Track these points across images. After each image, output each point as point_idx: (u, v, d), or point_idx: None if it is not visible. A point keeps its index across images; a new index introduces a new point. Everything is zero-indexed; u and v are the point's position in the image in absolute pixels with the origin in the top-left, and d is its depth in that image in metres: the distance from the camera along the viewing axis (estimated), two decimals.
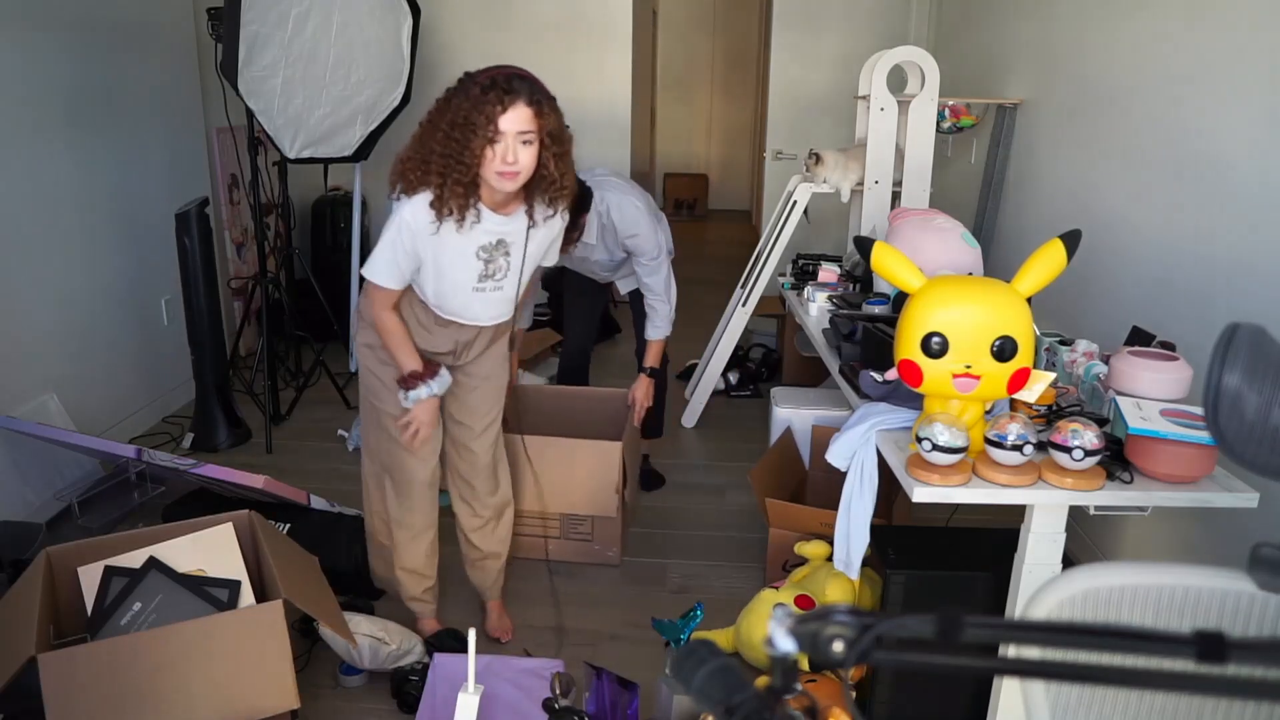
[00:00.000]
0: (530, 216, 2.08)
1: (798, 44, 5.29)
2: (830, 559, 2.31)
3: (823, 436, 2.91)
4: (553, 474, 2.78)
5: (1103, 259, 2.86)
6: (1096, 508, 1.68)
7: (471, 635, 1.77)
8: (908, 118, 3.50)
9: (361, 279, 2.31)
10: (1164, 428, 1.66)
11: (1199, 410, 1.65)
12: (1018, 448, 1.65)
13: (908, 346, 1.73)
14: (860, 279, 3.33)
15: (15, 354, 3.11)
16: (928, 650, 0.66)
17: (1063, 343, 2.28)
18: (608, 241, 2.93)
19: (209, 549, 2.18)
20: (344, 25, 3.87)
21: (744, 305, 3.95)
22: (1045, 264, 1.71)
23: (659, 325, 2.96)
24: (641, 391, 3.02)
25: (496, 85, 1.87)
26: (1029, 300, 1.73)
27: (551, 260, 2.30)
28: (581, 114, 5.33)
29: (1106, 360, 2.07)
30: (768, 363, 4.66)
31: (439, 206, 1.95)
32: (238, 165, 4.63)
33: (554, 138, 1.97)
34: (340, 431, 3.87)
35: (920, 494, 1.69)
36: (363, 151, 4.15)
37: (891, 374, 1.84)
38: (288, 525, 2.70)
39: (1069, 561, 1.70)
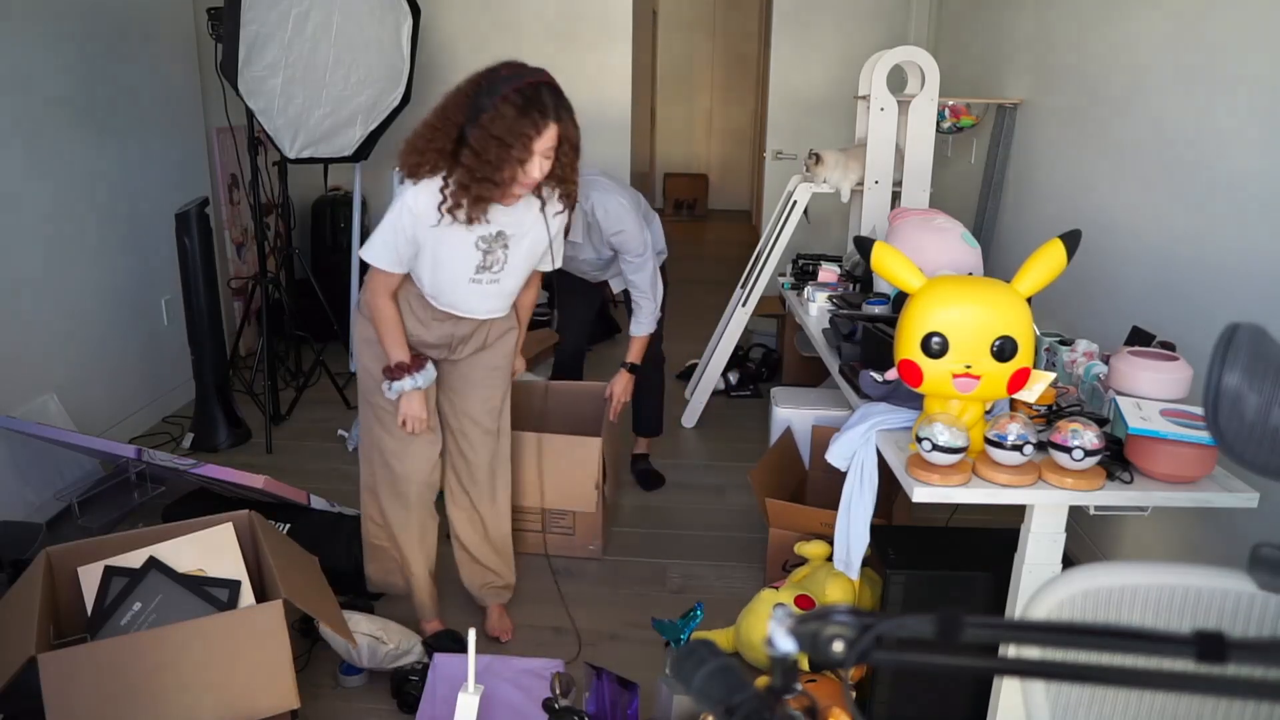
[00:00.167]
0: (541, 203, 2.13)
1: (798, 44, 5.29)
2: (830, 559, 2.31)
3: (823, 436, 2.91)
4: (533, 468, 2.79)
5: (1103, 259, 2.86)
6: (1096, 508, 1.68)
7: (471, 635, 1.77)
8: (908, 118, 3.50)
9: (362, 278, 2.31)
10: (1164, 428, 1.66)
11: (1199, 410, 1.65)
12: (1018, 448, 1.65)
13: (908, 346, 1.73)
14: (860, 279, 3.33)
15: (15, 354, 3.11)
16: (928, 650, 0.66)
17: (1063, 343, 2.28)
18: (594, 240, 2.93)
19: (209, 549, 2.18)
20: (344, 25, 3.87)
21: (744, 305, 3.95)
22: (1045, 264, 1.71)
23: (643, 322, 2.96)
24: (620, 386, 3.01)
25: (532, 107, 1.90)
26: (1029, 300, 1.73)
27: (549, 265, 2.29)
28: (581, 114, 5.28)
29: (1106, 360, 2.07)
30: (768, 363, 4.66)
31: (453, 211, 1.96)
32: (238, 165, 4.63)
33: (572, 144, 2.02)
34: (340, 431, 3.87)
35: (920, 494, 1.69)
36: (363, 151, 4.15)
37: (891, 374, 1.84)
38: (288, 525, 2.71)
39: (1069, 561, 1.70)
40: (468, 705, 1.74)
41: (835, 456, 2.04)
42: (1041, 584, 1.28)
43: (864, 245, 1.84)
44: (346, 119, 4.00)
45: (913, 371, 1.74)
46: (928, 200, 3.59)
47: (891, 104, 3.48)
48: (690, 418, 4.08)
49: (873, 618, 0.66)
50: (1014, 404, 1.92)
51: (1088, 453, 1.63)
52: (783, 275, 3.81)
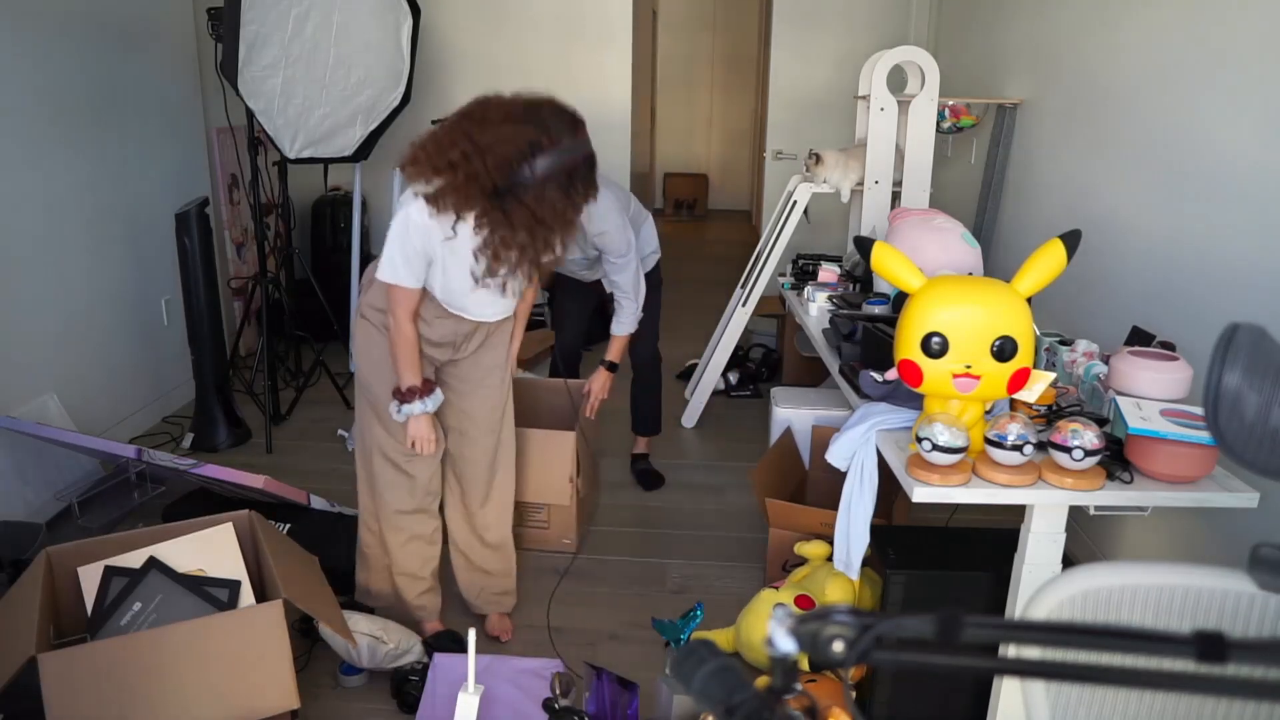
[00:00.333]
0: None
1: (798, 44, 5.29)
2: (830, 559, 2.31)
3: (823, 436, 2.91)
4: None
5: (1103, 259, 2.86)
6: (1096, 508, 1.68)
7: (471, 635, 1.77)
8: (908, 118, 3.50)
9: (362, 277, 2.31)
10: (1164, 428, 1.66)
11: (1199, 410, 1.65)
12: (1018, 448, 1.65)
13: (908, 346, 1.73)
14: (860, 279, 3.33)
15: (15, 354, 3.11)
16: (928, 650, 0.66)
17: (1063, 343, 2.28)
18: (579, 239, 2.93)
19: (209, 549, 2.18)
20: (344, 25, 3.86)
21: (744, 305, 3.95)
22: (1045, 264, 1.71)
23: (624, 321, 2.95)
24: (598, 384, 3.01)
25: (587, 188, 1.96)
26: (1029, 300, 1.73)
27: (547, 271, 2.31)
28: (582, 114, 5.33)
29: (1106, 360, 2.07)
30: (768, 363, 4.66)
31: (493, 266, 1.99)
32: (238, 165, 4.63)
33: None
34: (340, 431, 3.87)
35: (920, 494, 1.69)
36: (363, 151, 4.15)
37: (891, 374, 1.84)
38: (288, 525, 2.71)
39: (1069, 561, 1.70)
40: (468, 705, 1.74)
41: (835, 456, 2.04)
42: (1041, 584, 1.28)
43: (864, 245, 1.84)
44: (346, 119, 4.00)
45: (913, 371, 1.74)
46: (928, 200, 3.59)
47: (891, 104, 3.48)
48: (690, 418, 4.08)
49: (873, 618, 0.66)
50: (1014, 404, 1.92)
51: (1088, 453, 1.63)
52: (783, 275, 3.81)
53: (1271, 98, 2.09)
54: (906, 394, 1.96)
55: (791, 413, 3.00)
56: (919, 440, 1.70)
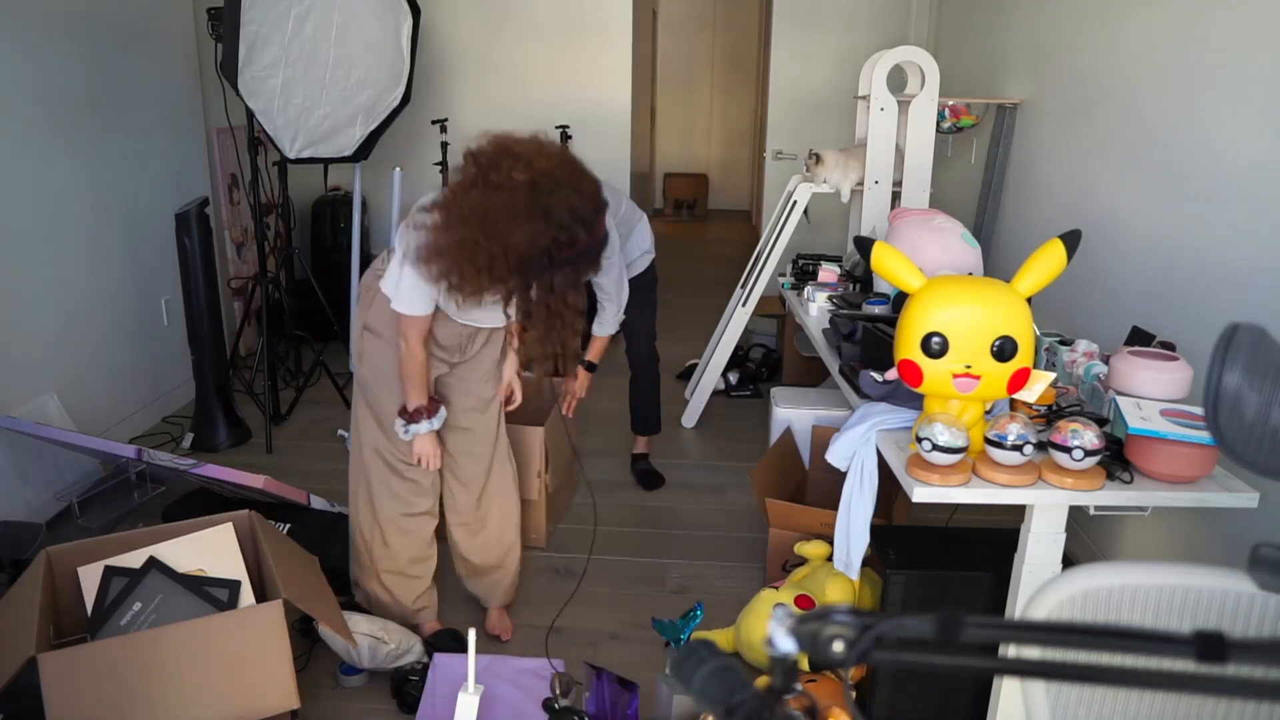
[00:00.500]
0: None
1: (798, 44, 5.29)
2: (830, 559, 2.31)
3: (823, 436, 2.91)
4: None
5: (1103, 259, 2.86)
6: (1096, 508, 1.68)
7: (471, 635, 1.77)
8: (908, 118, 3.50)
9: (362, 276, 2.31)
10: (1164, 428, 1.66)
11: (1199, 410, 1.65)
12: (1018, 448, 1.65)
13: (908, 346, 1.73)
14: (860, 279, 3.33)
15: (15, 354, 3.11)
16: (928, 650, 0.66)
17: (1063, 343, 2.28)
18: None
19: (209, 549, 2.18)
20: (344, 25, 3.86)
21: (744, 305, 3.95)
22: (1045, 264, 1.71)
23: (605, 323, 2.95)
24: (576, 383, 3.02)
25: (585, 276, 1.93)
26: (1029, 300, 1.73)
27: None
28: (581, 114, 5.34)
29: (1106, 360, 2.07)
30: (768, 363, 4.66)
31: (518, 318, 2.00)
32: (238, 165, 4.63)
33: None
34: (340, 431, 3.87)
35: (920, 494, 1.69)
36: (363, 151, 4.15)
37: (891, 374, 1.84)
38: (288, 525, 2.71)
39: (1069, 561, 1.70)
40: (468, 705, 1.74)
41: (835, 456, 2.04)
42: (1041, 584, 1.28)
43: (864, 245, 1.84)
44: (346, 119, 4.00)
45: (913, 371, 1.74)
46: (928, 200, 3.59)
47: (891, 104, 3.48)
48: (690, 418, 4.08)
49: (873, 618, 0.66)
50: (1014, 404, 1.91)
51: (1088, 453, 1.63)
52: (783, 275, 3.81)
53: (1272, 98, 2.09)
54: (906, 394, 1.96)
55: (791, 413, 3.00)
56: (919, 440, 1.70)
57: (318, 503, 2.84)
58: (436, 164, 4.89)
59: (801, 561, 2.52)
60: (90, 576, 2.08)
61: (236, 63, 3.47)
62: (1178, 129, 2.48)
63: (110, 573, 2.08)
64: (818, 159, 3.71)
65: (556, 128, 5.28)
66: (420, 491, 2.33)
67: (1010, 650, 1.23)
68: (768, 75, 5.49)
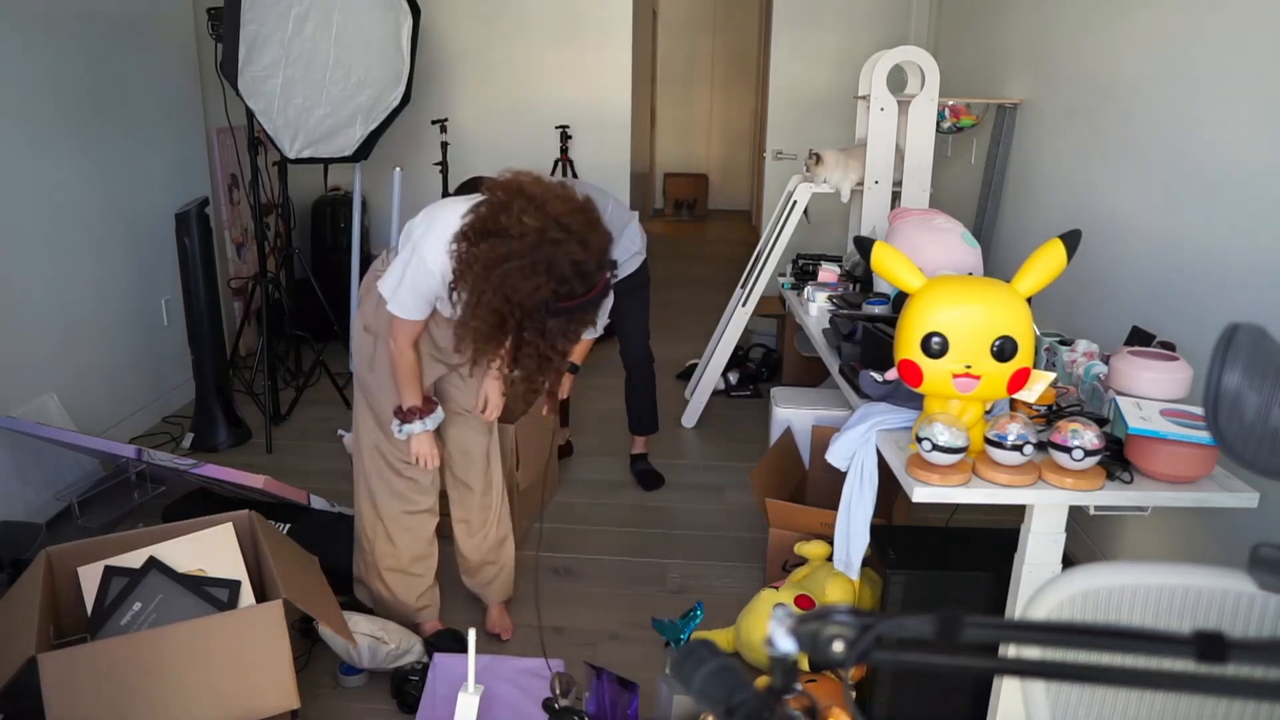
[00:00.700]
0: None
1: (798, 44, 5.29)
2: (830, 559, 2.31)
3: (823, 436, 2.91)
4: None
5: (1103, 259, 2.86)
6: (1096, 508, 1.68)
7: (471, 635, 1.77)
8: (908, 118, 3.50)
9: (362, 275, 2.31)
10: (1164, 428, 1.66)
11: (1199, 410, 1.65)
12: (1018, 448, 1.65)
13: (908, 346, 1.73)
14: (860, 279, 3.33)
15: (15, 354, 3.11)
16: (928, 650, 0.66)
17: (1063, 343, 2.28)
18: None
19: (209, 549, 2.18)
20: (344, 25, 3.87)
21: (744, 305, 3.95)
22: (1045, 264, 1.71)
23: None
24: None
25: (590, 312, 1.91)
26: (1029, 300, 1.73)
27: None
28: (581, 114, 5.34)
29: (1106, 360, 2.07)
30: (768, 363, 4.66)
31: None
32: (238, 165, 4.63)
33: None
34: (340, 431, 3.87)
35: (920, 494, 1.69)
36: (363, 151, 4.15)
37: (891, 374, 1.84)
38: (288, 525, 2.71)
39: (1069, 561, 1.70)
40: (468, 705, 1.74)
41: (835, 456, 2.04)
42: (1041, 584, 1.28)
43: (864, 245, 1.84)
44: (346, 119, 4.00)
45: (913, 371, 1.74)
46: (928, 200, 3.59)
47: (891, 104, 3.48)
48: (690, 418, 4.08)
49: (873, 618, 0.66)
50: (1014, 404, 1.92)
51: (1088, 453, 1.63)
52: (783, 275, 3.81)
53: (1272, 97, 2.09)
54: (906, 394, 1.96)
55: (791, 413, 3.00)
56: (919, 440, 1.70)
57: (318, 503, 2.84)
58: (436, 164, 4.90)
59: (801, 561, 2.52)
60: (90, 576, 2.08)
61: (236, 63, 3.47)
62: (1178, 129, 2.48)
63: (110, 573, 2.08)
64: (818, 159, 3.71)
65: (556, 128, 5.28)
66: (421, 490, 2.34)
67: (1010, 650, 1.23)
68: (768, 75, 5.49)
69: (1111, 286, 2.80)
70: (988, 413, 1.84)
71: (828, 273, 3.44)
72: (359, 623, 2.25)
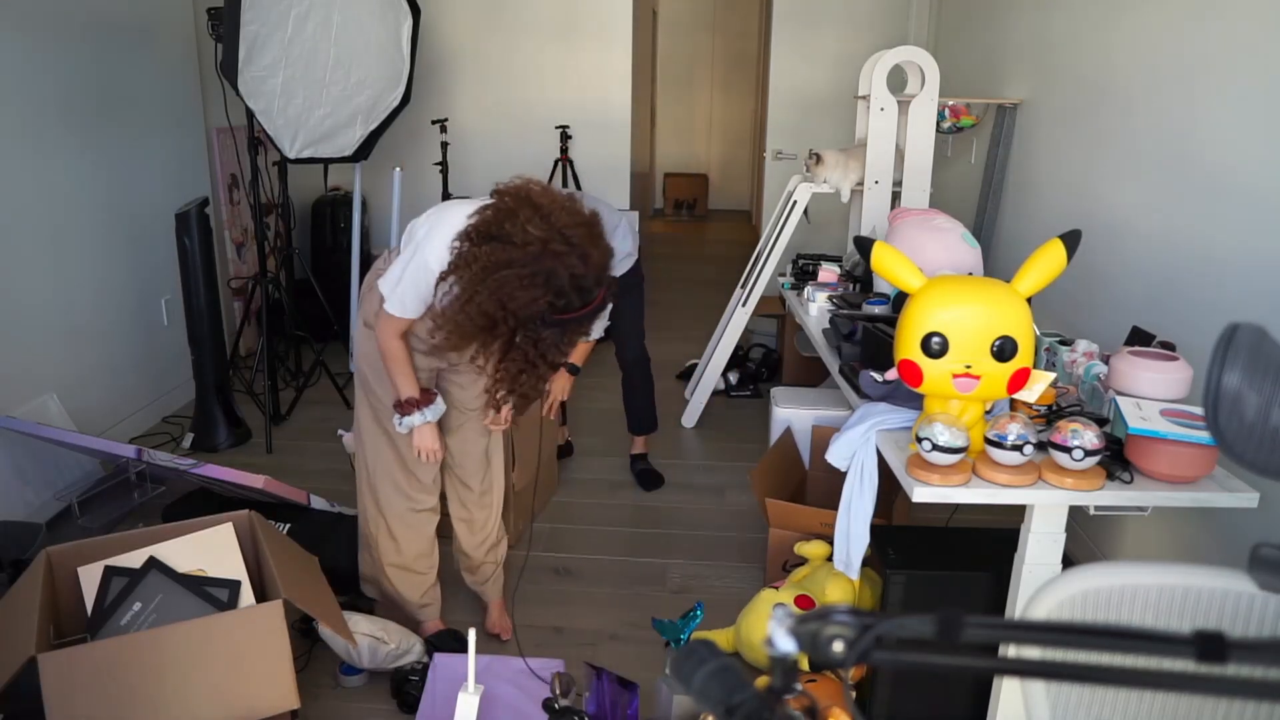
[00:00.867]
0: None
1: (798, 44, 5.29)
2: (830, 559, 2.31)
3: (823, 436, 2.91)
4: None
5: (1103, 259, 2.86)
6: (1096, 508, 1.68)
7: (471, 635, 1.77)
8: (908, 118, 3.50)
9: (362, 276, 2.31)
10: (1164, 428, 1.66)
11: (1199, 410, 1.65)
12: (1018, 448, 1.65)
13: (908, 346, 1.73)
14: (860, 279, 3.33)
15: (15, 354, 3.11)
16: (928, 650, 0.66)
17: (1063, 343, 2.28)
18: None
19: (209, 549, 2.18)
20: (344, 25, 3.87)
21: (744, 305, 3.95)
22: (1045, 264, 1.71)
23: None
24: (557, 385, 3.01)
25: (584, 326, 1.92)
26: (1029, 300, 1.73)
27: None
28: (581, 114, 5.34)
29: (1106, 360, 2.07)
30: (768, 363, 4.66)
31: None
32: (238, 165, 4.63)
33: None
34: (340, 431, 3.86)
35: (920, 494, 1.69)
36: (363, 151, 4.15)
37: (891, 374, 1.84)
38: (288, 525, 2.70)
39: (1069, 561, 1.70)
40: (468, 705, 1.74)
41: (835, 456, 2.04)
42: (1041, 584, 1.28)
43: (864, 245, 1.84)
44: (346, 119, 4.00)
45: (913, 371, 1.74)
46: (928, 200, 3.59)
47: (891, 104, 3.48)
48: (690, 418, 4.08)
49: (873, 618, 0.66)
50: (1014, 404, 1.92)
51: (1088, 453, 1.63)
52: (783, 275, 3.81)
53: (1272, 97, 2.09)
54: (906, 394, 1.96)
55: (791, 413, 3.00)
56: (919, 440, 1.70)
57: (318, 503, 2.84)
58: (436, 164, 4.90)
59: (801, 561, 2.52)
60: (90, 576, 2.08)
61: (236, 63, 3.47)
62: (1178, 129, 2.48)
63: (110, 573, 2.08)
64: (818, 159, 3.71)
65: (556, 128, 5.28)
66: (422, 488, 2.34)
67: (1010, 650, 1.23)
68: (768, 75, 5.49)
69: (1111, 286, 2.80)
70: (988, 413, 1.84)
71: (828, 273, 3.44)
72: (359, 623, 2.25)
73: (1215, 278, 2.28)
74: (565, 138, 5.25)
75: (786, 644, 0.67)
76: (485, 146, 5.34)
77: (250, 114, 3.63)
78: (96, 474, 3.22)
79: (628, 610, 2.66)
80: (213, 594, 2.08)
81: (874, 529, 2.07)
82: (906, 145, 3.52)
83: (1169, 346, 2.02)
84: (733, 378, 4.44)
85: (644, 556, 2.97)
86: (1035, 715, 1.26)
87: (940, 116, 3.81)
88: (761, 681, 2.08)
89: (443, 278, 1.89)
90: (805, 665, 2.06)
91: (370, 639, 2.24)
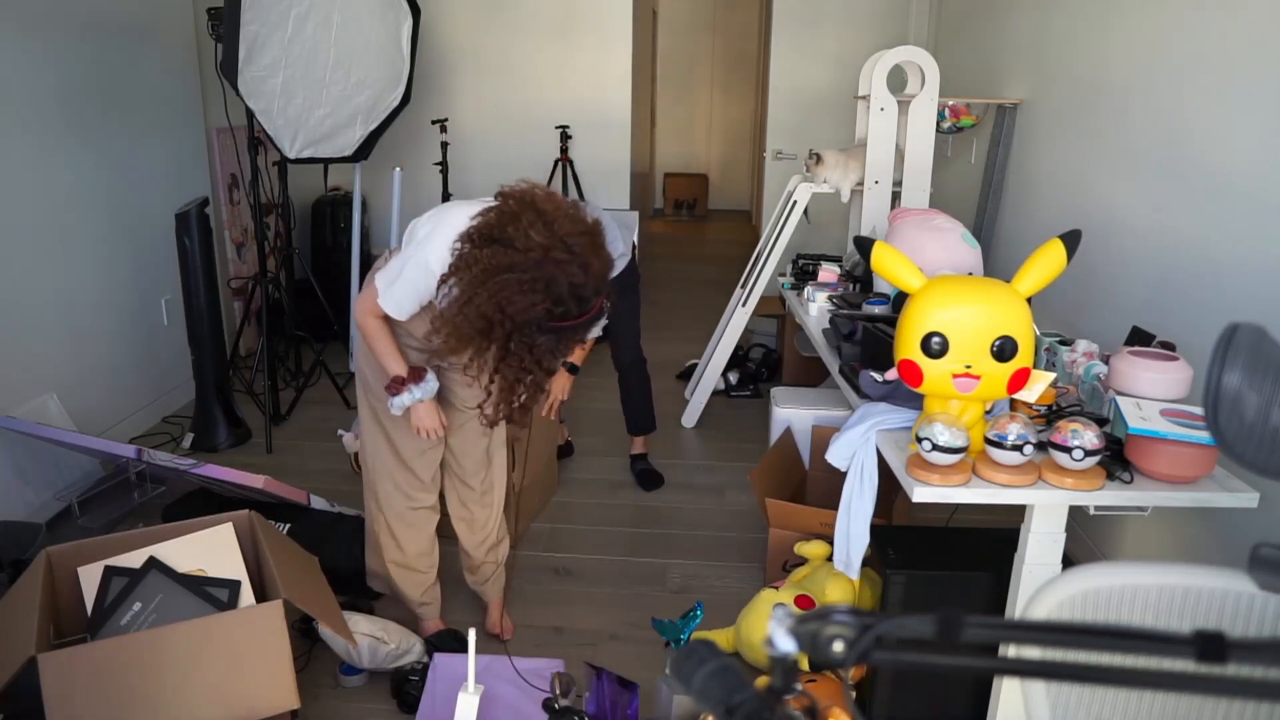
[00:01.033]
0: None
1: (798, 44, 5.29)
2: (830, 559, 2.31)
3: (823, 436, 2.91)
4: None
5: (1103, 259, 2.86)
6: (1096, 508, 1.68)
7: (471, 635, 1.77)
8: (908, 118, 3.50)
9: (363, 278, 2.31)
10: (1164, 428, 1.66)
11: (1199, 410, 1.65)
12: (1018, 448, 1.65)
13: (908, 346, 1.73)
14: (860, 279, 3.33)
15: (15, 354, 3.11)
16: (928, 650, 0.66)
17: (1063, 343, 2.28)
18: None
19: (209, 549, 2.18)
20: (344, 25, 3.87)
21: (744, 305, 3.95)
22: (1045, 264, 1.71)
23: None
24: (557, 385, 3.01)
25: (580, 334, 1.92)
26: (1029, 300, 1.73)
27: None
28: (581, 114, 5.34)
29: (1106, 360, 2.07)
30: (768, 363, 4.66)
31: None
32: (238, 165, 4.63)
33: None
34: (340, 431, 3.87)
35: (920, 494, 1.69)
36: (363, 151, 4.15)
37: (891, 374, 1.84)
38: (288, 525, 2.70)
39: (1069, 561, 1.70)
40: (468, 705, 1.74)
41: (835, 456, 2.04)
42: (1041, 584, 1.28)
43: (864, 245, 1.84)
44: (346, 119, 4.00)
45: (913, 371, 1.74)
46: (928, 200, 3.59)
47: (891, 104, 3.48)
48: (690, 418, 4.08)
49: (873, 618, 0.66)
50: (1014, 404, 1.92)
51: (1088, 453, 1.63)
52: (783, 275, 3.81)
53: (1271, 97, 2.09)
54: (906, 394, 1.96)
55: (791, 413, 3.00)
56: (919, 440, 1.70)
57: (318, 503, 2.84)
58: (436, 164, 4.90)
59: (801, 561, 2.52)
60: (90, 576, 2.08)
61: (236, 63, 3.47)
62: (1177, 129, 2.48)
63: (110, 573, 2.08)
64: (818, 159, 3.71)
65: (556, 128, 5.28)
66: (421, 486, 2.34)
67: (1010, 650, 1.23)
68: (768, 75, 5.49)
69: (1111, 286, 2.80)
70: (988, 413, 1.84)
71: (828, 273, 3.44)
72: (359, 623, 2.25)
73: (1215, 277, 2.28)
74: (565, 138, 5.25)
75: (786, 644, 0.67)
76: (485, 146, 5.34)
77: (250, 114, 3.63)
78: (96, 474, 3.22)
79: (628, 610, 2.66)
80: (213, 594, 2.08)
81: (874, 529, 2.07)
82: (906, 145, 3.52)
83: (1169, 346, 2.02)
84: (733, 378, 4.44)
85: (644, 556, 2.97)
86: (1035, 715, 1.26)
87: (940, 116, 3.81)
88: (761, 681, 2.08)
89: (443, 280, 1.89)
90: (805, 665, 2.06)
91: (370, 639, 2.24)
